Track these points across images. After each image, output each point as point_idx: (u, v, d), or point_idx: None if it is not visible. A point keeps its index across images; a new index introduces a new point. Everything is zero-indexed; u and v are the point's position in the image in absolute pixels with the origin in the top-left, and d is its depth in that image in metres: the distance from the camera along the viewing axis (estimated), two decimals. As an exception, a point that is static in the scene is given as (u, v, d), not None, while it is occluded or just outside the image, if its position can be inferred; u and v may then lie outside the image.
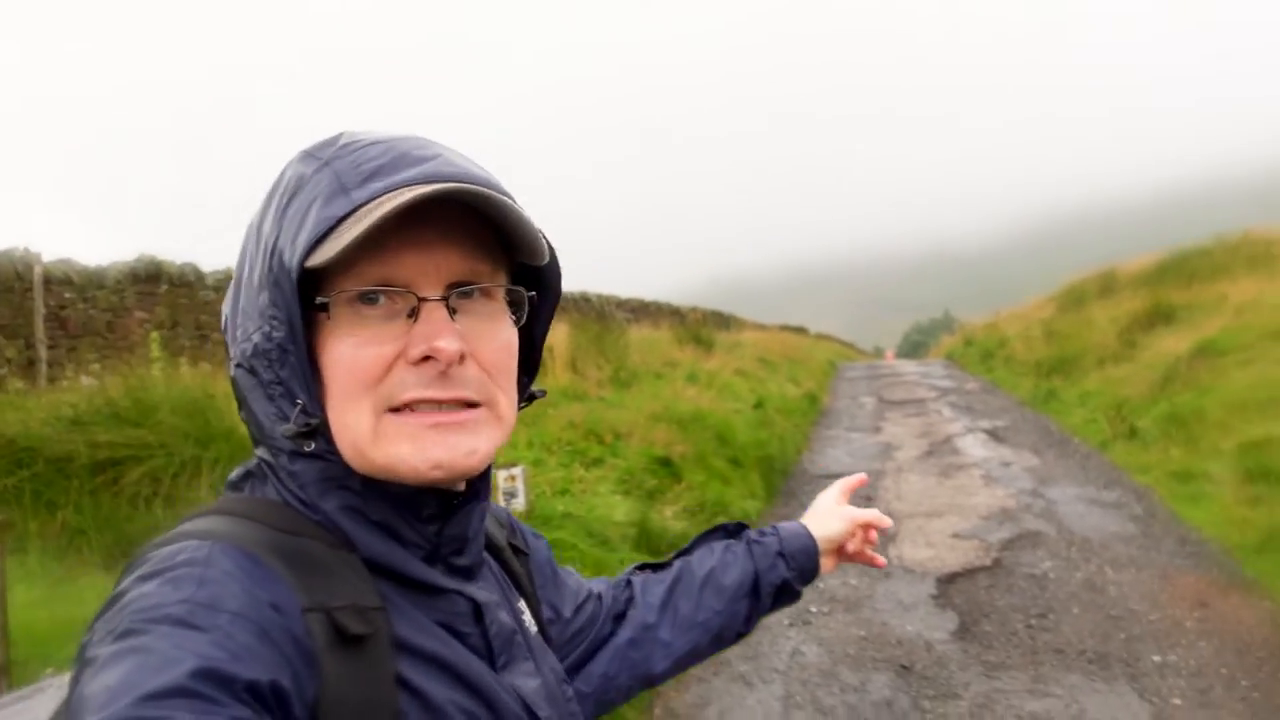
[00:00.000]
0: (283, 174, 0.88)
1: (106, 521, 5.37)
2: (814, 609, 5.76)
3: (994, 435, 11.50)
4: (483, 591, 0.94)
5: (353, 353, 0.82)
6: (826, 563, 1.43)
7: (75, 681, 0.69)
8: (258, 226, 0.88)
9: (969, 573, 6.24)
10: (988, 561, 6.43)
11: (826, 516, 1.45)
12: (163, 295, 10.17)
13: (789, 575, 1.37)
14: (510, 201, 0.85)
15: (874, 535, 1.47)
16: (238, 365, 0.88)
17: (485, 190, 0.82)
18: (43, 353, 8.63)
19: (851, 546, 1.46)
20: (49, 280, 8.85)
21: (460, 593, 0.90)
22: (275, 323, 0.82)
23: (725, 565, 1.35)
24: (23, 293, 8.62)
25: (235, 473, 0.92)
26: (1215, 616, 5.27)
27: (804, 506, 5.87)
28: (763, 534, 1.40)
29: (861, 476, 1.57)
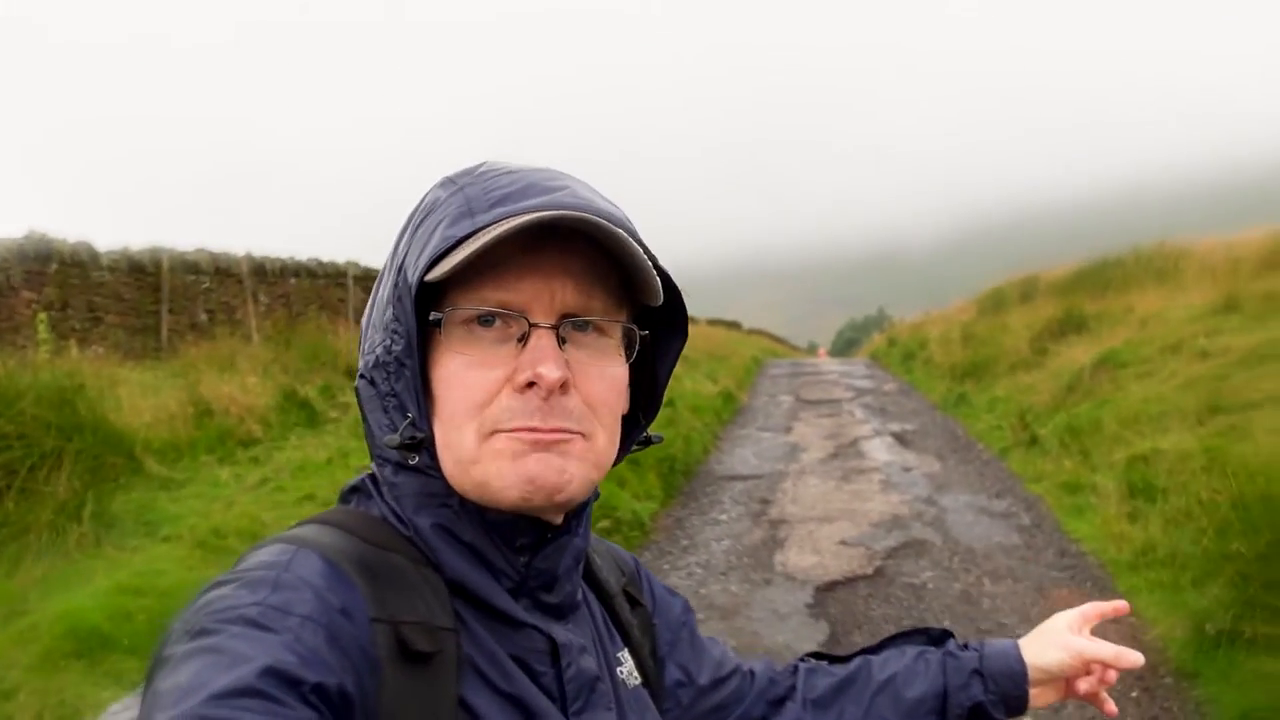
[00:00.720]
0: (423, 197, 0.92)
1: (-49, 515, 5.14)
2: (689, 617, 5.71)
3: (901, 439, 11.57)
4: (565, 632, 0.93)
5: (462, 372, 0.85)
6: (1045, 694, 1.22)
7: (149, 680, 0.71)
8: (394, 246, 0.92)
9: (849, 581, 6.23)
10: (870, 570, 6.43)
11: (1048, 642, 1.22)
12: (53, 275, 9.85)
13: (985, 699, 1.18)
14: (624, 235, 0.85)
15: (1112, 675, 1.21)
16: (360, 376, 0.92)
17: (599, 220, 0.83)
18: (-83, 332, 8.32)
19: (1084, 686, 1.21)
20: (-73, 256, 8.54)
21: (539, 629, 0.90)
22: (396, 336, 0.86)
23: (911, 675, 1.21)
24: (-103, 269, 8.31)
25: (346, 486, 0.96)
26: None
27: (703, 510, 5.79)
28: (965, 647, 1.23)
29: (1122, 605, 1.29)
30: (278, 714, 0.66)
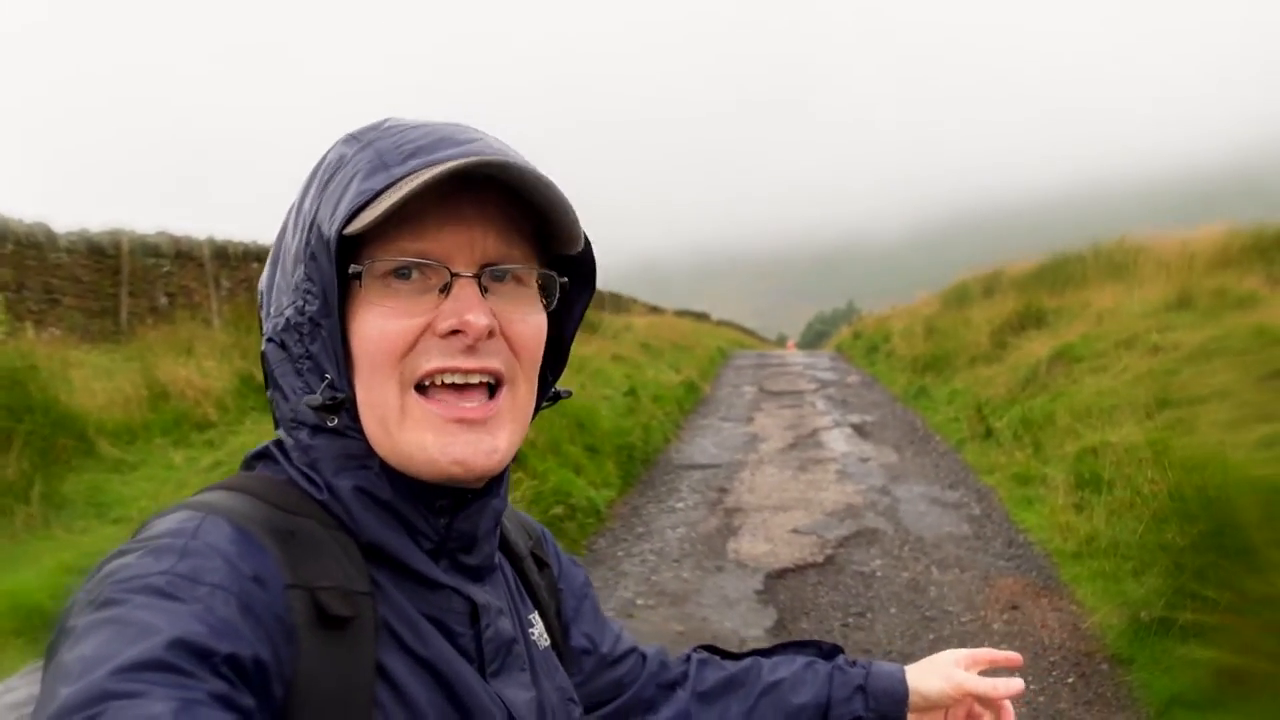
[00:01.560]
0: (325, 155, 0.90)
1: (-103, 495, 5.11)
2: (640, 601, 5.78)
3: (860, 430, 11.68)
4: (484, 594, 0.93)
5: (381, 323, 0.84)
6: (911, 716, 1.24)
7: (52, 652, 0.68)
8: (298, 205, 0.90)
9: (799, 569, 6.31)
10: (820, 558, 6.51)
11: (934, 671, 1.24)
12: (9, 255, 9.75)
13: (864, 715, 1.21)
14: (549, 180, 0.85)
15: (985, 714, 1.24)
16: (268, 340, 0.89)
17: (522, 165, 0.83)
18: None
19: (954, 718, 1.24)
20: (-122, 235, 8.42)
21: (458, 590, 0.90)
22: (309, 296, 0.84)
23: (798, 682, 1.24)
24: None
25: (250, 453, 0.93)
26: (1022, 619, 5.41)
27: (660, 498, 5.83)
28: (853, 664, 1.26)
29: (1014, 657, 1.30)
30: (187, 687, 0.64)
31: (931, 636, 5.21)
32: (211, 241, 13.24)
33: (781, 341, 56.12)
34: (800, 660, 1.27)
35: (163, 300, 12.17)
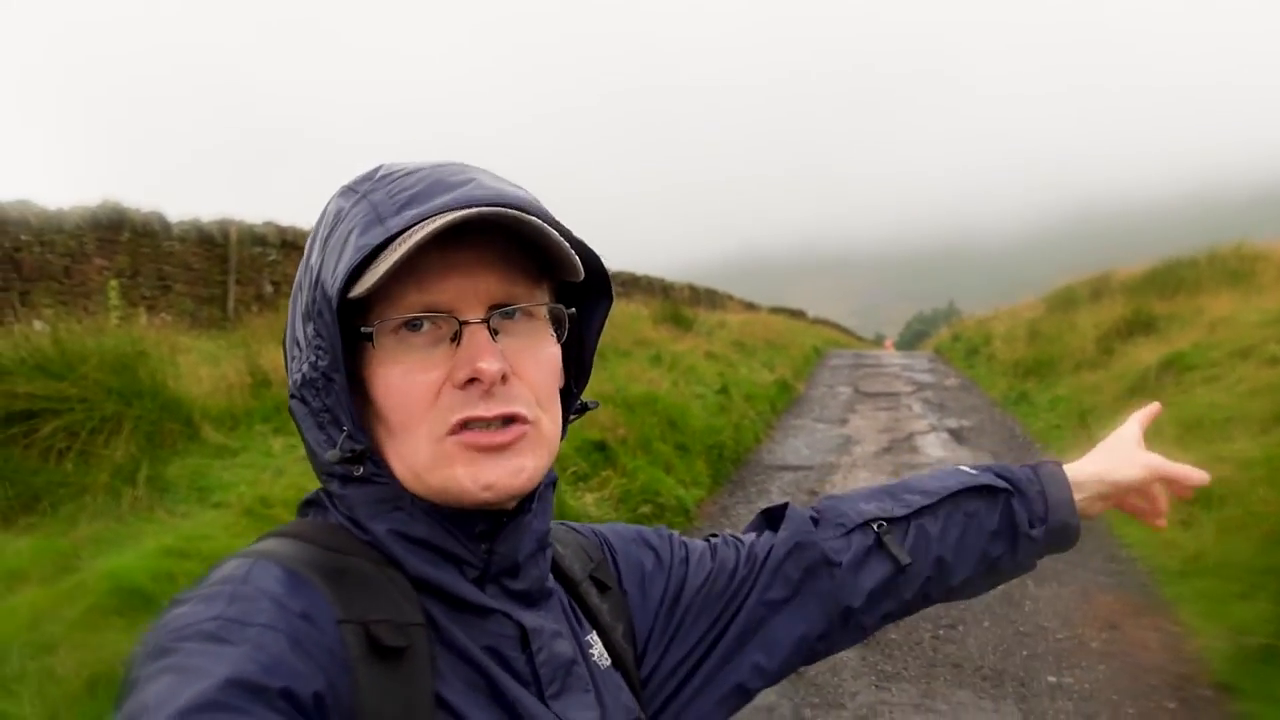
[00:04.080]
0: (325, 209, 0.92)
1: (14, 474, 5.32)
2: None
3: (957, 435, 11.44)
4: (535, 618, 0.93)
5: (400, 381, 0.85)
6: (1096, 505, 1.30)
7: (118, 706, 0.70)
8: (306, 259, 0.91)
9: (889, 577, 6.19)
10: (911, 567, 6.37)
11: (1120, 456, 1.30)
12: (124, 243, 10.13)
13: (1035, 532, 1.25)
14: (540, 222, 0.85)
15: (1166, 500, 1.33)
16: (291, 396, 0.92)
17: (516, 212, 0.84)
18: (-7, 295, 8.60)
19: (1137, 505, 1.34)
20: (5, 221, 8.81)
21: (507, 615, 0.91)
22: (320, 352, 0.86)
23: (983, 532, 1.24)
24: (-23, 233, 8.59)
25: (302, 500, 0.96)
26: (1121, 639, 5.22)
27: (750, 499, 5.78)
28: (1030, 517, 1.25)
29: (1155, 406, 1.41)
30: None
31: (1025, 652, 5.07)
32: (318, 231, 13.54)
33: (879, 341, 55.32)
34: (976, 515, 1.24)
35: (268, 288, 12.52)
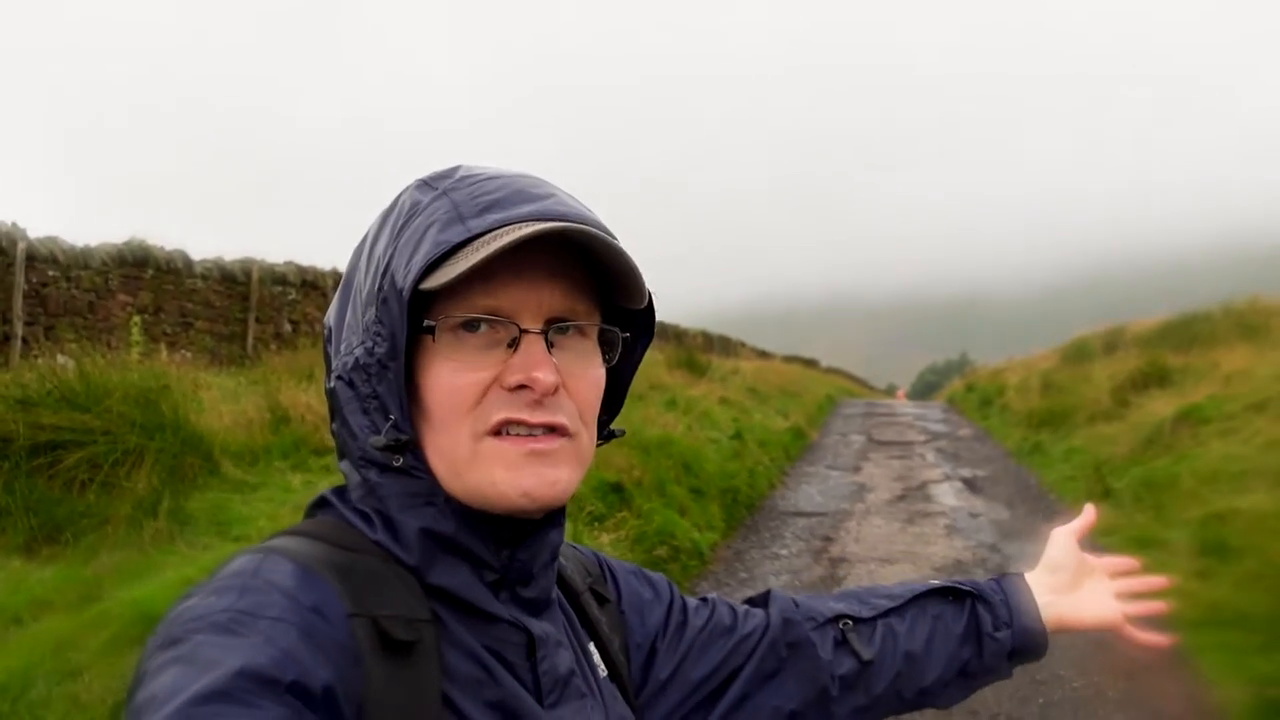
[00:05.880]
0: (398, 199, 0.92)
1: (38, 504, 5.38)
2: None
3: (971, 485, 11.41)
4: (541, 626, 0.94)
5: (451, 377, 0.86)
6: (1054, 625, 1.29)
7: (130, 697, 0.71)
8: (370, 246, 0.91)
9: (905, 624, 6.17)
10: (926, 614, 6.35)
11: (1096, 601, 1.31)
12: (148, 280, 10.26)
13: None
14: (619, 245, 0.88)
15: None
16: (338, 377, 0.91)
17: (599, 232, 0.86)
18: (19, 329, 8.70)
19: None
20: (32, 257, 8.94)
21: (515, 623, 0.91)
22: (379, 339, 0.86)
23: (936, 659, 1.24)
24: (4, 268, 8.70)
25: (311, 501, 0.96)
26: (1139, 689, 5.18)
27: (764, 544, 5.77)
28: (995, 629, 1.25)
29: (1090, 515, 1.37)
30: (253, 715, 0.66)
31: (1041, 700, 5.04)
32: (335, 271, 13.72)
33: (891, 391, 55.25)
34: (936, 629, 1.24)
35: (287, 327, 12.63)
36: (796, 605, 1.23)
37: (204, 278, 10.94)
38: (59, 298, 9.27)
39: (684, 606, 1.19)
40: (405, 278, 0.84)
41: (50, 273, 9.19)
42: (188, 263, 10.75)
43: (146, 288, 10.21)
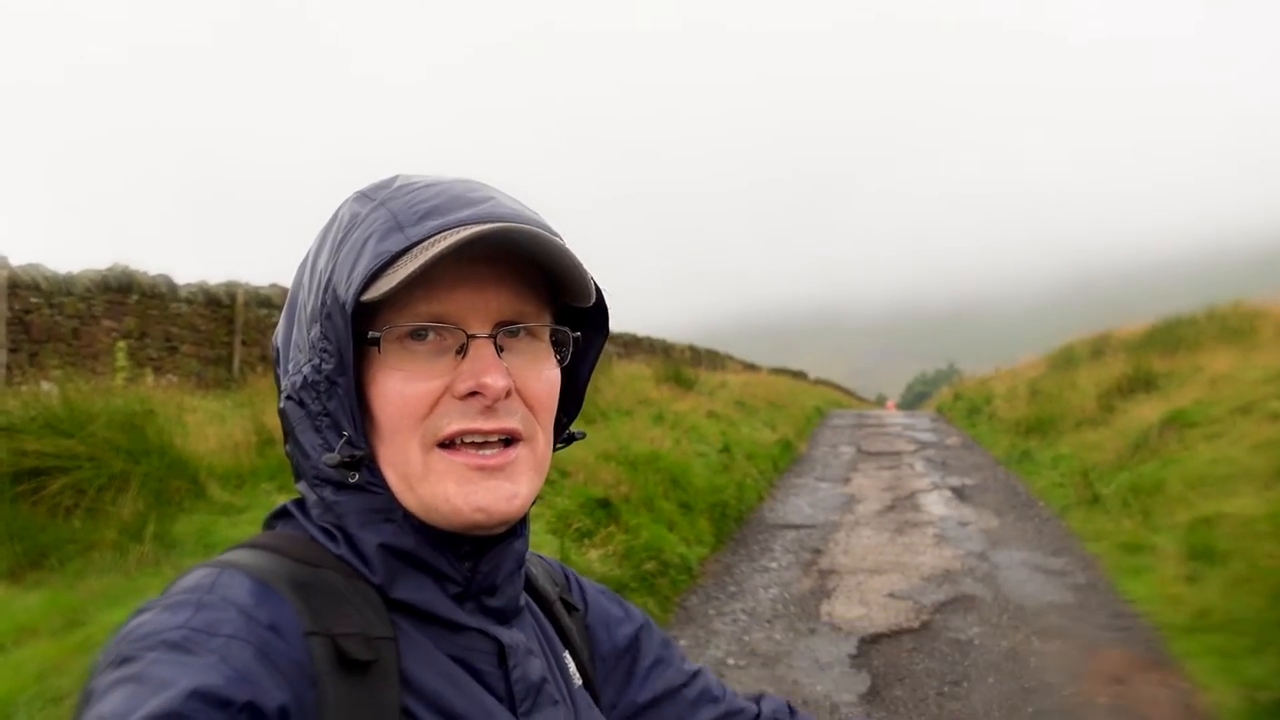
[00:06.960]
0: (337, 212, 0.91)
1: (22, 530, 5.34)
2: (730, 661, 5.72)
3: (959, 494, 11.42)
4: (511, 635, 0.93)
5: (400, 387, 0.85)
6: None
7: (77, 715, 0.68)
8: (311, 262, 0.91)
9: (894, 634, 6.17)
10: (916, 624, 6.35)
11: None
12: (133, 306, 10.25)
13: None
14: (562, 243, 0.87)
15: None
16: (287, 397, 0.91)
17: (540, 231, 0.85)
18: (3, 356, 8.68)
19: None
20: (16, 285, 8.93)
21: (483, 632, 0.90)
22: (325, 355, 0.85)
23: None
24: (-13, 295, 8.69)
25: (270, 513, 0.95)
26: (1129, 694, 5.19)
27: (753, 557, 5.81)
28: None
29: None
30: None
31: (1031, 709, 5.04)
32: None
33: (881, 401, 55.33)
34: None
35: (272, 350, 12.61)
36: (792, 713, 1.23)
37: (189, 301, 10.92)
38: (42, 324, 9.24)
39: (665, 641, 1.18)
40: (347, 290, 0.83)
41: (33, 300, 9.16)
42: (172, 287, 10.74)
43: (131, 313, 10.19)
